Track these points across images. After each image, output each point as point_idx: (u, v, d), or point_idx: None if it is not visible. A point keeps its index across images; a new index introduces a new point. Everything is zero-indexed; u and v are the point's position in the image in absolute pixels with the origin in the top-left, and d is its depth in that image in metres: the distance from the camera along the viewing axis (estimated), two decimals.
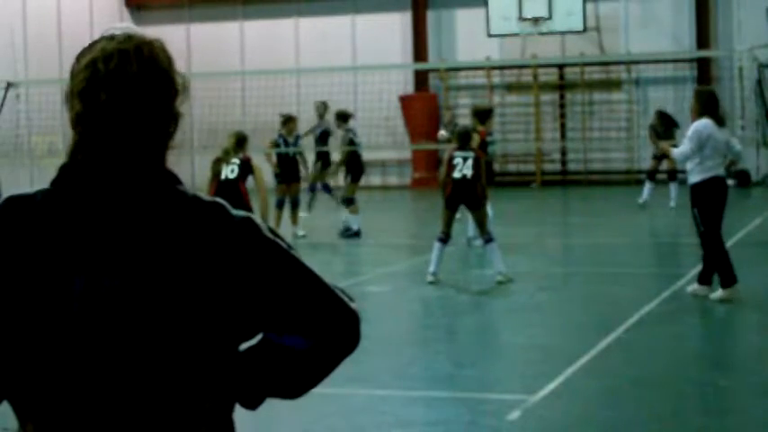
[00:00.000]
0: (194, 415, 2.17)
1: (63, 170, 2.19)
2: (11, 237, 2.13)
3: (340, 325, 2.24)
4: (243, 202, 12.79)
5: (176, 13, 31.76)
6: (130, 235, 2.12)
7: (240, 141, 13.50)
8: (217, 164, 13.43)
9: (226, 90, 27.17)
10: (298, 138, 18.08)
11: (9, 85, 22.29)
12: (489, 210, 14.11)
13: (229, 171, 13.24)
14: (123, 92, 2.14)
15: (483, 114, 15.73)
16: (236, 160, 13.27)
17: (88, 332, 2.10)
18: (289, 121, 18.11)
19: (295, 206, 17.94)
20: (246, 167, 13.31)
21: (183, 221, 2.15)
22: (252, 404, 2.28)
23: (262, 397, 2.28)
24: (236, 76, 28.51)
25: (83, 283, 2.10)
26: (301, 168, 18.21)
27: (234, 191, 12.88)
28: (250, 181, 13.40)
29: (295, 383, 2.28)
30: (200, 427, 2.18)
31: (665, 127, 21.47)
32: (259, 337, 2.26)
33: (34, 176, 26.84)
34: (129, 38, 2.19)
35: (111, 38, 2.20)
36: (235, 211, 2.21)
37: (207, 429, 2.19)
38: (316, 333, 2.22)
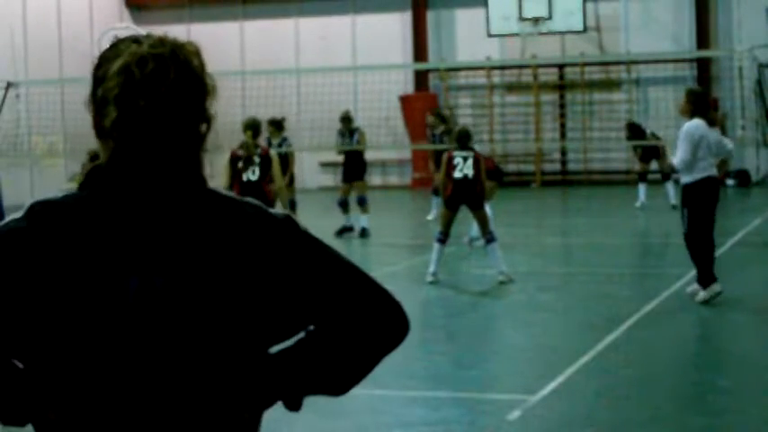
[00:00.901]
0: (236, 418, 2.18)
1: (95, 174, 2.18)
2: (56, 240, 2.11)
3: (388, 314, 2.25)
4: (270, 204, 12.11)
5: (176, 13, 31.76)
6: (177, 235, 2.14)
7: (256, 131, 12.78)
8: (234, 161, 12.79)
9: (226, 90, 27.01)
10: (284, 140, 18.12)
11: (9, 85, 22.28)
12: (488, 210, 14.13)
13: (251, 173, 12.71)
14: (161, 97, 2.14)
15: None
16: (256, 159, 12.72)
17: (143, 331, 2.10)
18: (271, 124, 18.07)
19: (292, 207, 17.93)
20: (267, 164, 12.70)
21: (225, 221, 2.18)
22: (296, 404, 2.27)
23: (305, 395, 2.27)
24: (236, 76, 28.51)
25: (137, 283, 2.10)
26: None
27: (259, 193, 12.18)
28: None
29: (342, 378, 2.27)
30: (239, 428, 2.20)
31: (638, 137, 22.00)
32: (302, 334, 2.26)
33: (34, 176, 26.85)
34: (161, 41, 2.18)
35: (137, 41, 2.18)
36: (273, 211, 2.25)
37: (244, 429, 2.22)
38: (365, 323, 2.23)
